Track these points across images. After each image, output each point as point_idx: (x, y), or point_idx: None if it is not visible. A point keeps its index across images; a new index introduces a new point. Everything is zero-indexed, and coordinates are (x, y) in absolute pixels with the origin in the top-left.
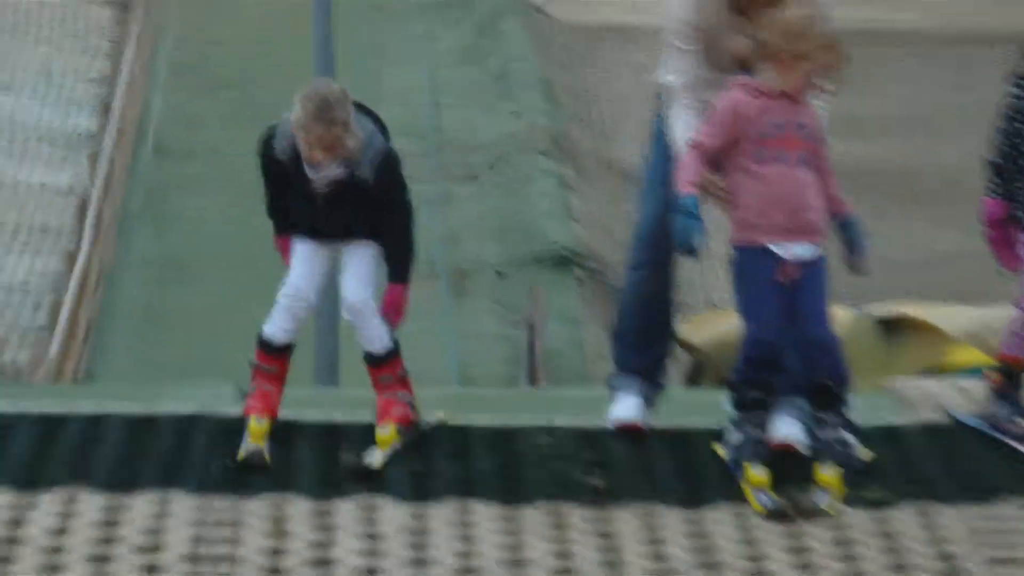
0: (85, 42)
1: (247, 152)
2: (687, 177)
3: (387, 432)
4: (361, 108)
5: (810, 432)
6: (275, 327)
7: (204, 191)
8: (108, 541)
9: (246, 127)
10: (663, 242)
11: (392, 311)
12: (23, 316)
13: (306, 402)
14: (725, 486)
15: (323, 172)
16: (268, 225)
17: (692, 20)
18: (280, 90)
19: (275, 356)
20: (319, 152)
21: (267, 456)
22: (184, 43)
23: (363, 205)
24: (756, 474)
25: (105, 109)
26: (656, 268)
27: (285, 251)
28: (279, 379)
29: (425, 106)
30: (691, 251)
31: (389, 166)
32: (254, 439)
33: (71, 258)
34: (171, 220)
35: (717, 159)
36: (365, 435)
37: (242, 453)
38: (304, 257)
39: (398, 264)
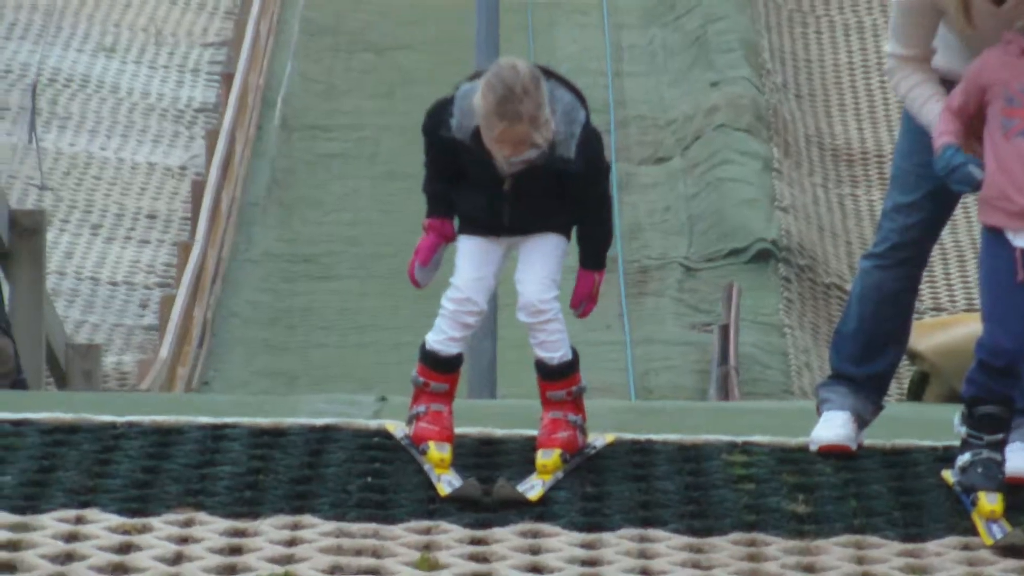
0: None
1: (391, 126)
2: (939, 130)
3: (550, 458)
4: (556, 78)
5: None
6: (441, 337)
7: (340, 173)
8: (232, 571)
9: (390, 98)
10: (911, 231)
11: (588, 299)
12: (128, 315)
13: (459, 416)
14: (951, 515)
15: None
16: (415, 213)
17: None
18: (431, 55)
19: (443, 372)
20: (506, 148)
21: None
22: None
23: (559, 190)
24: (989, 503)
25: (225, 77)
26: (899, 262)
27: (436, 234)
28: (449, 397)
29: (603, 75)
30: (966, 181)
31: (594, 146)
32: (440, 470)
33: (184, 250)
34: (300, 207)
35: (974, 127)
36: (524, 455)
37: (444, 488)
38: (474, 255)
39: (597, 249)
